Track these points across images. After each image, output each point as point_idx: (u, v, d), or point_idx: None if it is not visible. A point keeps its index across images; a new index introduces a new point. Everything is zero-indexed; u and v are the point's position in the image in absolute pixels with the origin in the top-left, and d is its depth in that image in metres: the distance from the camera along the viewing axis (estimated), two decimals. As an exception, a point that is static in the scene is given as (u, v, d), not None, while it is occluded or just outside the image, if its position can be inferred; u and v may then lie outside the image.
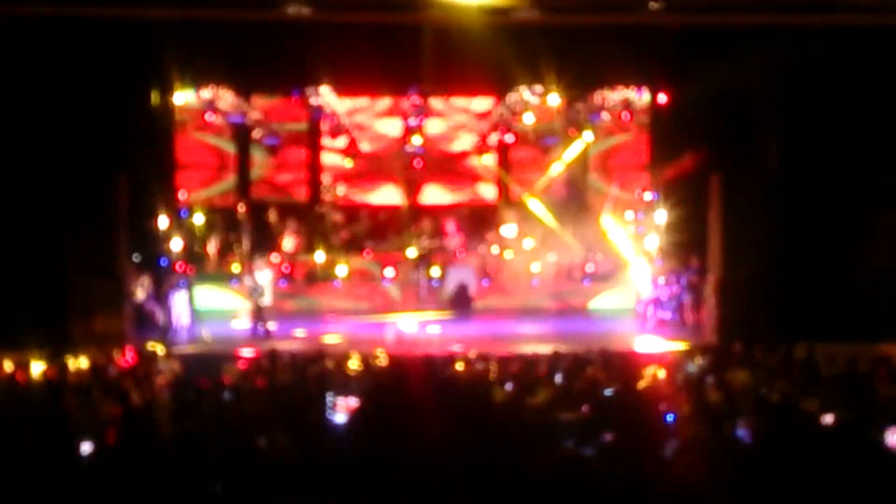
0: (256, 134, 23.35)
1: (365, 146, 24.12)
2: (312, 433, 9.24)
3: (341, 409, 9.86)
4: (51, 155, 17.31)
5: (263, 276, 18.29)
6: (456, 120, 24.39)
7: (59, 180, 17.30)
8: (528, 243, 22.61)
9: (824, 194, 17.73)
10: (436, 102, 23.78)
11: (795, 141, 17.95)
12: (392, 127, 24.19)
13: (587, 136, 23.09)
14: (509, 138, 23.67)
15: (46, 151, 17.33)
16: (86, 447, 8.08)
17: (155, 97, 19.91)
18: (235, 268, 21.68)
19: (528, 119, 22.63)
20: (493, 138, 23.94)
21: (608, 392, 10.81)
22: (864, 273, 17.67)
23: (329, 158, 24.19)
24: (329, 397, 10.08)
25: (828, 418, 9.30)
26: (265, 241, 22.20)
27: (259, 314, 18.06)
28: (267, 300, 18.27)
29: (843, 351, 13.27)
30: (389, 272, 22.27)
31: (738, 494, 6.48)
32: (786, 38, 16.92)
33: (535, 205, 23.30)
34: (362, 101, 24.08)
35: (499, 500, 5.63)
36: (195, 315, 19.11)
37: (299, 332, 18.84)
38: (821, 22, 16.40)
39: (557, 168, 23.73)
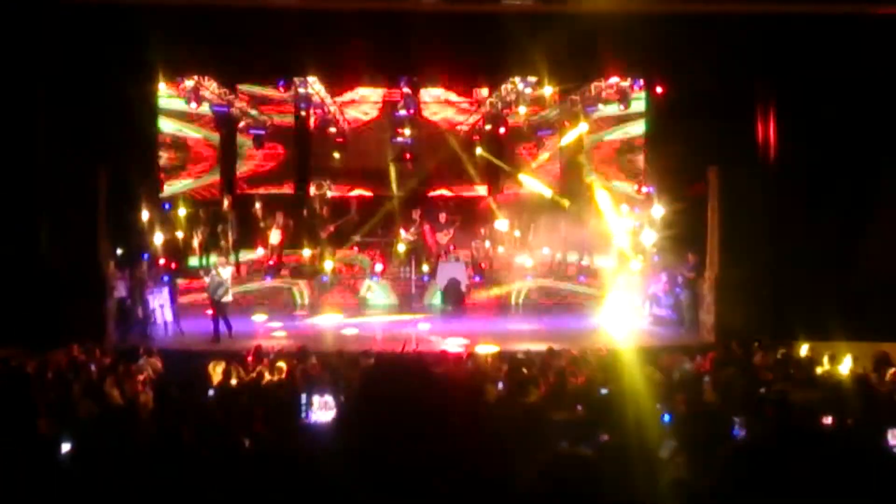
0: (242, 124, 23.06)
1: (353, 137, 23.86)
2: (296, 431, 8.99)
3: (320, 409, 9.61)
4: (31, 147, 16.99)
5: (225, 272, 17.85)
6: (447, 111, 24.17)
7: (40, 172, 17.00)
8: (520, 237, 22.45)
9: (823, 191, 17.51)
10: (427, 93, 23.53)
11: (794, 136, 17.73)
12: (382, 118, 23.94)
13: (582, 127, 22.84)
14: (502, 130, 23.44)
15: (26, 143, 17.02)
16: (65, 446, 7.83)
17: (137, 87, 19.61)
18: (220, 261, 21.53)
19: (522, 110, 22.37)
20: (486, 130, 23.70)
21: (603, 391, 10.56)
22: (863, 271, 17.46)
23: (316, 150, 23.95)
24: (305, 397, 9.81)
25: (826, 418, 9.12)
26: (250, 235, 21.95)
27: (223, 311, 17.52)
28: (229, 297, 17.80)
29: (841, 350, 13.09)
30: (378, 267, 22.07)
31: (734, 495, 6.19)
32: (785, 29, 16.71)
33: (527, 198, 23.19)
34: (351, 92, 23.84)
35: (488, 502, 5.32)
36: (177, 310, 18.80)
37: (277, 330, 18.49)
38: (820, 11, 16.15)
39: (552, 160, 23.64)
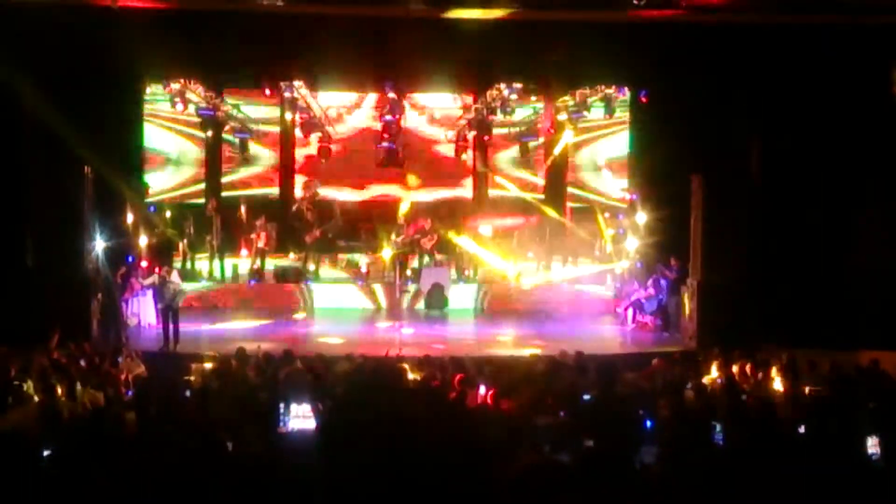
0: (227, 128, 23.01)
1: (339, 143, 23.83)
2: (275, 439, 8.98)
3: (297, 418, 9.60)
4: (17, 148, 16.95)
5: (175, 277, 17.69)
6: (433, 117, 24.17)
7: (26, 174, 16.96)
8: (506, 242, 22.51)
9: (807, 198, 17.62)
10: (413, 99, 23.54)
11: (778, 144, 17.82)
12: (367, 124, 23.93)
13: (568, 134, 22.91)
14: (487, 136, 23.44)
15: (12, 145, 16.98)
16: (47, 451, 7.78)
17: (123, 90, 19.58)
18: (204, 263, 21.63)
19: (508, 117, 22.42)
20: (471, 136, 23.70)
21: (586, 397, 10.59)
22: (846, 278, 17.57)
23: (302, 155, 23.92)
24: (283, 405, 9.78)
25: (807, 425, 9.18)
26: (235, 238, 21.92)
27: (176, 318, 17.27)
28: (179, 303, 17.65)
29: (823, 357, 13.15)
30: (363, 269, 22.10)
31: (715, 500, 6.29)
32: (770, 38, 16.80)
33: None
34: (337, 97, 23.82)
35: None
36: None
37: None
38: (805, 22, 16.24)
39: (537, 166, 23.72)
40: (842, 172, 17.62)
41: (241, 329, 18.80)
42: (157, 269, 18.08)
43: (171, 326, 16.87)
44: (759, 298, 16.98)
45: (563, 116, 22.63)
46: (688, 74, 18.02)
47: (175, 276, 17.57)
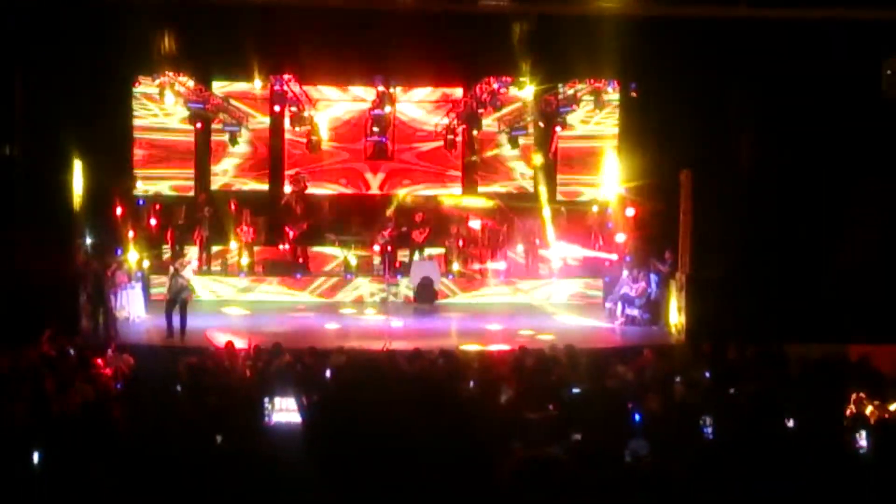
0: (216, 121, 22.94)
1: (328, 135, 23.77)
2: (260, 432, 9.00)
3: (281, 411, 9.61)
4: (7, 142, 16.90)
5: (188, 272, 17.68)
6: (422, 110, 24.13)
7: (15, 168, 16.91)
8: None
9: (796, 193, 17.64)
10: (402, 92, 23.51)
11: (768, 139, 17.85)
12: (356, 116, 23.88)
13: (557, 128, 22.91)
14: (476, 130, 23.40)
15: (2, 139, 16.92)
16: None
17: (113, 83, 19.53)
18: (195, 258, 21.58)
19: (497, 110, 22.39)
20: (460, 129, 23.67)
21: (575, 391, 10.60)
22: (836, 273, 17.61)
23: (291, 147, 23.87)
24: (267, 399, 9.78)
25: (797, 419, 9.21)
26: (224, 232, 21.89)
27: (184, 310, 17.23)
28: (192, 296, 17.59)
29: (813, 351, 13.17)
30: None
31: (705, 494, 6.32)
32: (760, 33, 16.82)
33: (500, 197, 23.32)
34: (326, 90, 23.77)
35: (462, 501, 5.38)
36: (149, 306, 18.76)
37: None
38: (797, 17, 16.26)
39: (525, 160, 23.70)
40: (832, 166, 17.65)
41: (233, 322, 18.78)
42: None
43: (178, 318, 16.90)
44: (749, 292, 17.01)
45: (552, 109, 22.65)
46: (678, 69, 18.03)
47: (188, 272, 17.59)
